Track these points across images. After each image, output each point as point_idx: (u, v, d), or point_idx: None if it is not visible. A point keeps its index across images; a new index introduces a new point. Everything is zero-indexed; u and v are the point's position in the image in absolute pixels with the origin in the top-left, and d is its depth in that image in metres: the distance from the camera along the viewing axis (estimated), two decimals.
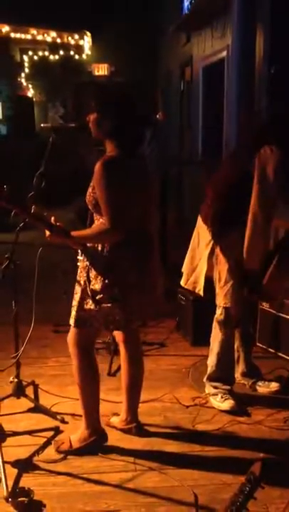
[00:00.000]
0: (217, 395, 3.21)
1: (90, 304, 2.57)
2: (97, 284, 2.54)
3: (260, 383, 3.39)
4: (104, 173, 2.44)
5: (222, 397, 3.19)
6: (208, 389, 3.28)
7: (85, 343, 2.70)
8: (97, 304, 2.55)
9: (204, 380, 3.32)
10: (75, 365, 2.72)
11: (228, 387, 3.23)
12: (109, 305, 2.54)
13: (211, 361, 3.27)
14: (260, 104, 5.00)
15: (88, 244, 2.59)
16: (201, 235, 3.22)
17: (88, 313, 2.59)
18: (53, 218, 2.58)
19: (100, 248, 2.54)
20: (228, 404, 3.15)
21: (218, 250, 3.13)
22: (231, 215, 3.02)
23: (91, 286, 2.55)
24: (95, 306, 2.55)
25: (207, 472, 2.61)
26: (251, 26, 5.07)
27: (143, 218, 2.64)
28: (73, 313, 2.63)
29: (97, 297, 2.54)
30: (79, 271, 2.64)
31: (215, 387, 3.23)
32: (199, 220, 3.22)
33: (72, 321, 2.64)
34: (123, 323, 2.62)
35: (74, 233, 2.56)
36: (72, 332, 2.70)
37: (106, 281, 2.53)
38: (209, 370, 3.28)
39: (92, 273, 2.56)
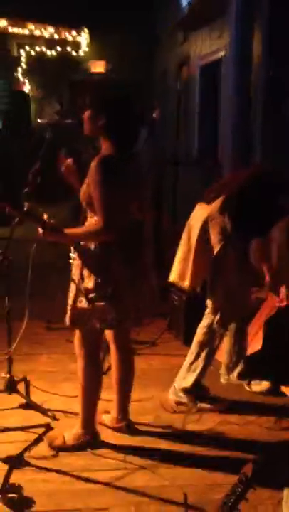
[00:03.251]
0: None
1: (83, 303, 2.56)
2: (90, 283, 2.54)
3: (252, 382, 3.40)
4: (99, 171, 2.44)
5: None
6: (186, 399, 3.23)
7: (91, 343, 2.70)
8: (90, 302, 2.54)
9: (181, 392, 3.23)
10: (80, 366, 2.72)
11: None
12: (102, 304, 2.54)
13: (196, 367, 3.21)
14: (256, 105, 5.01)
15: (81, 243, 2.58)
16: (194, 228, 3.15)
17: (81, 311, 2.58)
18: (45, 216, 2.58)
19: (92, 246, 2.54)
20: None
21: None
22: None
23: (84, 285, 2.55)
24: (88, 305, 2.55)
25: (197, 472, 2.62)
26: (249, 27, 5.07)
27: (136, 217, 2.64)
28: (68, 312, 2.62)
29: (90, 296, 2.54)
30: (73, 269, 2.63)
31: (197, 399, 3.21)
32: (195, 212, 3.20)
33: (67, 319, 2.64)
34: (116, 322, 2.62)
35: (67, 231, 2.55)
36: (77, 334, 2.70)
37: (98, 279, 2.52)
38: (191, 380, 3.22)
39: (85, 271, 2.55)
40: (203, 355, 3.21)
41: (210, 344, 3.20)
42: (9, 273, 2.93)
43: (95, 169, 2.45)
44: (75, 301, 2.59)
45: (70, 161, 2.63)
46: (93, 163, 2.47)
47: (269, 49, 4.89)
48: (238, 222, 3.03)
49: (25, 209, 2.58)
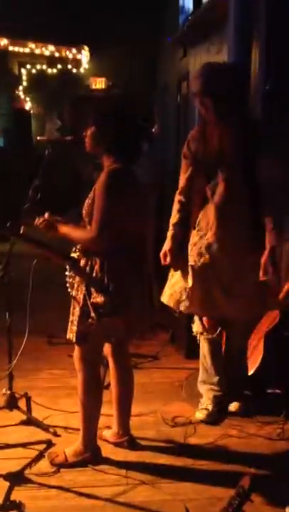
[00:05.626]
0: (199, 402, 3.25)
1: (91, 318, 2.53)
2: (98, 298, 2.51)
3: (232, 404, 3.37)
4: (108, 183, 2.47)
5: (200, 406, 3.23)
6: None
7: (91, 358, 2.68)
8: (100, 317, 2.51)
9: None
10: (80, 381, 2.70)
11: (214, 393, 3.24)
12: (111, 318, 2.52)
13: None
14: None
15: (82, 261, 2.59)
16: None
17: (89, 327, 2.56)
18: (47, 214, 2.64)
19: (97, 266, 2.52)
20: (200, 414, 3.19)
21: None
22: None
23: (92, 300, 2.52)
24: (98, 320, 2.52)
25: (199, 486, 2.60)
26: (247, 43, 5.10)
27: (140, 229, 2.65)
28: (74, 328, 2.59)
29: (99, 310, 2.52)
30: (76, 285, 2.61)
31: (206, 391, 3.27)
32: None
33: (72, 336, 2.61)
34: (124, 335, 2.62)
35: (64, 229, 2.60)
36: (76, 348, 2.68)
37: (108, 293, 2.50)
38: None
39: (93, 285, 2.54)
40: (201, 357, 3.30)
41: (202, 348, 3.26)
42: (10, 288, 2.94)
43: (103, 180, 2.47)
44: (81, 318, 2.55)
45: (46, 215, 2.66)
46: (103, 175, 2.49)
47: (266, 64, 4.92)
48: None
49: (21, 232, 2.64)
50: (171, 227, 3.19)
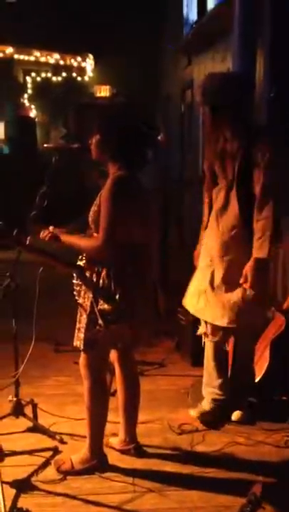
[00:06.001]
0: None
1: (98, 325, 2.53)
2: (106, 305, 2.52)
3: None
4: (114, 190, 2.47)
5: (200, 405, 3.26)
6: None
7: (97, 365, 2.68)
8: (107, 323, 2.51)
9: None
10: (86, 388, 2.70)
11: (215, 396, 3.24)
12: (118, 324, 2.53)
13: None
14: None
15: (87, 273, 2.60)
16: None
17: (96, 334, 2.56)
18: (51, 228, 2.65)
19: (104, 273, 2.53)
20: (194, 412, 3.23)
21: None
22: None
23: (100, 307, 2.52)
24: (105, 327, 2.52)
25: (206, 494, 2.58)
26: (251, 50, 5.13)
27: (145, 235, 2.66)
28: (81, 335, 2.59)
29: (107, 317, 2.51)
30: (82, 292, 2.61)
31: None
32: None
33: (79, 344, 2.61)
34: (131, 341, 2.63)
35: (71, 239, 2.60)
36: (82, 355, 2.68)
37: (115, 300, 2.51)
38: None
39: (100, 293, 2.55)
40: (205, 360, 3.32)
41: (206, 351, 3.28)
42: (16, 296, 2.95)
43: (109, 187, 2.48)
44: (88, 325, 2.56)
45: (51, 228, 2.68)
46: (109, 182, 2.50)
47: (271, 71, 4.94)
48: None
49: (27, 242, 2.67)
50: (201, 231, 3.31)
